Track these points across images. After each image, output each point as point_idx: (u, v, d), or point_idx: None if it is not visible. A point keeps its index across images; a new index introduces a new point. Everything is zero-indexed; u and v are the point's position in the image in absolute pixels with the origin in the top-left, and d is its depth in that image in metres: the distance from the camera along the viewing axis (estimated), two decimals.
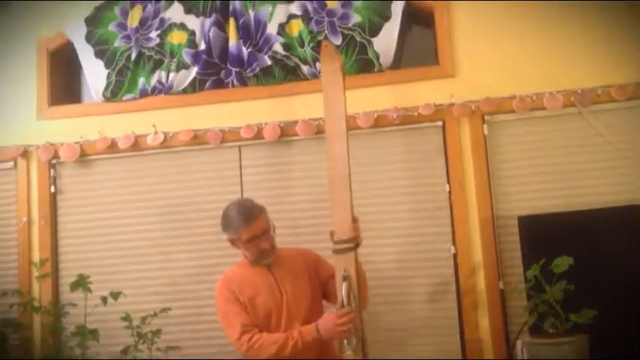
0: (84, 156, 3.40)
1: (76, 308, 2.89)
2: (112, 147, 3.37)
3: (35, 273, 3.19)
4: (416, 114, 3.17)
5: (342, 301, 2.47)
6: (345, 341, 2.45)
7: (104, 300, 2.83)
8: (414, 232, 3.17)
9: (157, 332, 2.81)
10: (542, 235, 2.89)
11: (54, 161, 3.42)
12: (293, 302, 2.63)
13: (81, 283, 2.86)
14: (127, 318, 2.82)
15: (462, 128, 3.17)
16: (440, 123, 3.20)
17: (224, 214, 2.67)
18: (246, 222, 2.58)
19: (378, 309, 3.09)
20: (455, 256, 3.11)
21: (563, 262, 2.59)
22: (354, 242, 2.54)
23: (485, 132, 3.16)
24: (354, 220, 2.57)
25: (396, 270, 3.16)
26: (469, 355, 3.03)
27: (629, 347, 2.68)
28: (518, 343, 2.81)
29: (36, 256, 3.30)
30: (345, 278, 2.48)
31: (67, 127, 3.44)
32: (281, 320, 2.61)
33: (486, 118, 3.16)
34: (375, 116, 3.19)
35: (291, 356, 2.49)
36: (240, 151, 3.33)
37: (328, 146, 2.69)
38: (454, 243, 3.12)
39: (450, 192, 3.15)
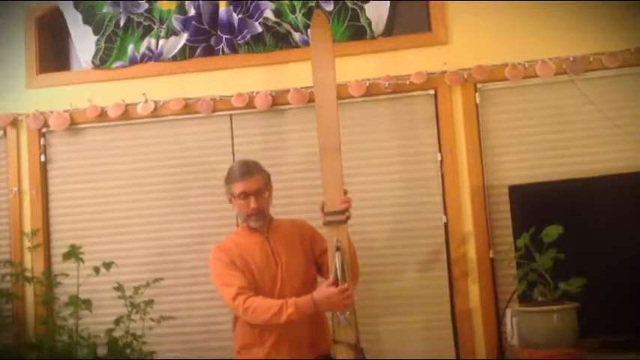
0: (74, 124, 3.36)
1: (69, 278, 2.89)
2: (102, 115, 3.33)
3: (27, 244, 3.18)
4: (407, 82, 3.15)
5: (336, 271, 2.48)
6: (339, 313, 2.47)
7: (96, 270, 2.83)
8: (405, 201, 3.17)
9: (149, 302, 2.82)
10: (533, 204, 2.89)
11: (44, 130, 3.38)
12: (287, 273, 2.65)
13: (73, 253, 2.85)
14: (119, 288, 2.83)
15: (454, 97, 3.16)
16: (432, 91, 3.18)
17: (229, 169, 2.74)
18: (240, 176, 2.63)
19: (368, 278, 3.10)
20: (446, 225, 3.12)
21: (553, 231, 2.60)
22: (345, 214, 2.54)
23: (477, 100, 3.14)
24: (345, 192, 2.57)
25: (386, 240, 3.17)
26: (459, 323, 3.07)
27: (618, 315, 2.71)
28: (508, 312, 2.85)
29: (27, 227, 3.29)
30: (338, 249, 2.49)
31: (57, 96, 3.39)
32: (274, 291, 2.62)
33: (478, 86, 3.14)
34: (367, 85, 3.17)
35: (285, 324, 2.51)
36: (231, 120, 3.30)
37: (318, 116, 2.67)
38: (445, 212, 3.12)
39: (441, 161, 3.14)
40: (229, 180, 2.69)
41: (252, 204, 2.62)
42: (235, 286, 2.56)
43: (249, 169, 2.66)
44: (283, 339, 2.56)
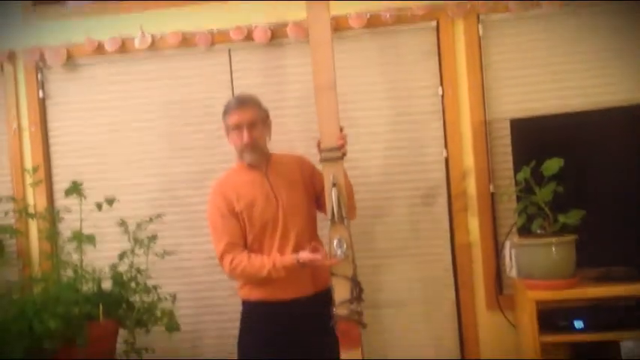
0: (71, 59, 3.31)
1: (71, 214, 2.91)
2: (100, 49, 3.28)
3: (28, 180, 3.20)
4: (409, 14, 3.09)
5: (332, 208, 2.49)
6: (336, 245, 2.50)
7: (99, 206, 2.85)
8: (406, 136, 3.16)
9: (152, 237, 2.84)
10: (534, 137, 2.87)
11: (41, 65, 3.34)
12: (289, 211, 2.66)
13: (75, 189, 2.86)
14: (122, 224, 2.85)
15: (456, 29, 3.10)
16: (434, 23, 3.12)
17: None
18: (235, 107, 2.64)
19: (368, 213, 3.13)
20: (446, 160, 3.12)
21: (553, 164, 2.60)
22: (341, 151, 2.54)
23: (480, 32, 3.09)
24: (341, 129, 2.55)
25: (387, 175, 3.17)
26: (459, 256, 3.11)
27: (616, 247, 2.74)
28: (507, 245, 2.88)
29: (28, 163, 3.30)
30: (334, 185, 2.50)
31: (53, 30, 3.33)
32: (277, 229, 2.64)
33: (481, 17, 3.08)
34: (368, 16, 3.11)
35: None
36: (230, 54, 3.26)
37: (312, 55, 2.61)
38: (446, 147, 3.12)
39: (442, 95, 3.11)
40: (225, 112, 2.68)
41: (245, 137, 2.61)
42: (223, 243, 2.61)
43: (244, 100, 2.67)
44: (287, 276, 2.58)
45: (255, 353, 2.67)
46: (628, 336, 2.54)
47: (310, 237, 2.71)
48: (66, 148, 3.36)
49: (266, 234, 2.65)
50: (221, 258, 2.62)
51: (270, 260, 2.55)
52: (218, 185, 2.74)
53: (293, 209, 2.66)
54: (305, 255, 2.52)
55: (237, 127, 2.62)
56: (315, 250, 2.52)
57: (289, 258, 2.55)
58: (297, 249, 2.60)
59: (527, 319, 2.59)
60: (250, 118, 2.62)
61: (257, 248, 2.65)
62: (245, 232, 2.65)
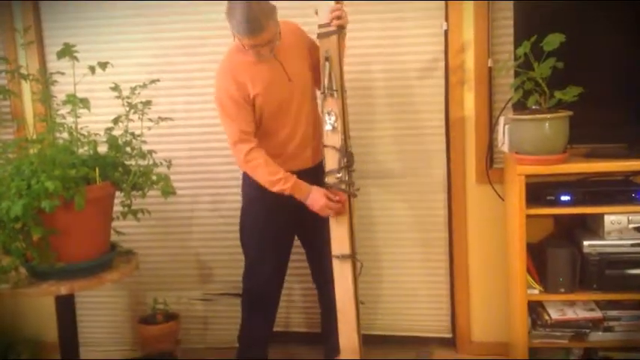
0: None
1: (65, 77, 2.87)
2: None
3: (19, 40, 3.13)
4: None
5: (324, 81, 2.49)
6: (327, 118, 2.52)
7: (92, 69, 2.80)
8: (405, 7, 3.08)
9: (147, 103, 2.82)
10: (537, 11, 2.79)
11: None
12: (300, 87, 2.65)
13: (67, 51, 2.80)
14: (115, 88, 2.81)
15: None
16: None
17: (230, 8, 2.41)
18: (251, 33, 2.39)
19: (364, 85, 3.13)
20: (446, 32, 3.05)
21: (554, 39, 2.55)
22: (339, 22, 2.49)
23: None
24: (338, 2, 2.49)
25: (382, 47, 3.12)
26: (452, 130, 3.12)
27: (609, 125, 2.76)
28: (501, 120, 2.89)
29: (18, 24, 3.22)
30: (327, 59, 2.48)
31: None
32: (291, 107, 2.64)
33: None
34: None
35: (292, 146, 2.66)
36: None
37: None
38: (446, 19, 3.04)
39: None
40: (236, 30, 2.41)
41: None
42: (237, 129, 2.57)
43: (259, 23, 2.36)
44: (292, 154, 2.67)
45: (264, 217, 2.78)
46: (613, 210, 2.61)
47: (314, 114, 2.74)
48: (57, 9, 3.27)
49: (281, 113, 2.63)
50: (234, 145, 2.60)
51: (285, 173, 2.58)
52: (227, 69, 2.61)
53: (303, 84, 2.66)
54: (319, 194, 2.57)
55: (255, 47, 2.46)
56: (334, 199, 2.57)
57: (304, 187, 2.59)
58: (307, 130, 2.67)
59: (515, 192, 2.63)
60: (268, 37, 2.44)
61: (270, 128, 2.65)
62: (257, 117, 2.63)
